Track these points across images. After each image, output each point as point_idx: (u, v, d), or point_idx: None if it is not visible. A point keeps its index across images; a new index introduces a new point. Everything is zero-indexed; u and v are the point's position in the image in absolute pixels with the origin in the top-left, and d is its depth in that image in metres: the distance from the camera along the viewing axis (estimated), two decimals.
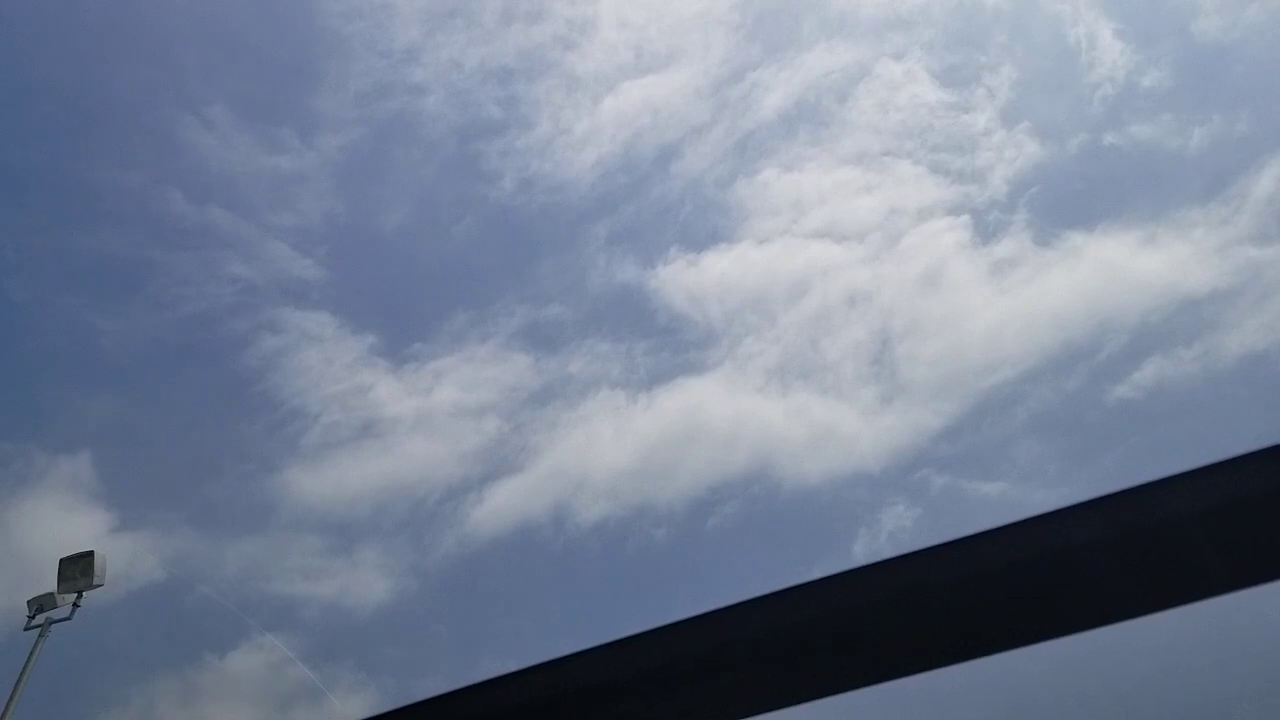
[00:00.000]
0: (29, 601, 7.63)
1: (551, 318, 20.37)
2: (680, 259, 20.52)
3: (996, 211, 19.30)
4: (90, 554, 7.60)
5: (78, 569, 7.57)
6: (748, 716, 0.80)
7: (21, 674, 7.14)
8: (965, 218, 19.64)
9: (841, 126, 20.80)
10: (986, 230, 19.24)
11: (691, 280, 20.22)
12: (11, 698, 6.95)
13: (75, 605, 7.56)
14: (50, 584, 7.79)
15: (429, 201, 21.28)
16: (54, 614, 7.65)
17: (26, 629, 7.52)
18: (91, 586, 7.57)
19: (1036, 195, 19.37)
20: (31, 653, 7.30)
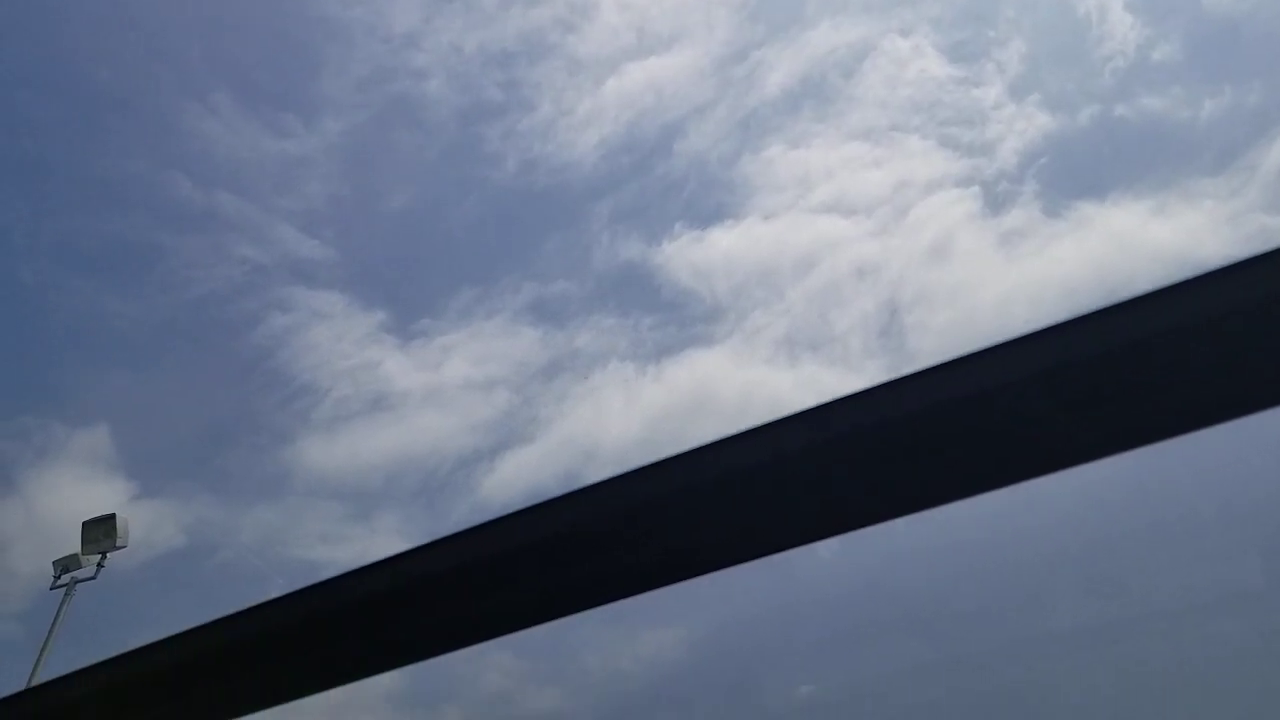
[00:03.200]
0: (54, 562, 7.78)
1: (558, 294, 20.39)
2: (685, 235, 20.47)
3: (1006, 183, 19.13)
4: (112, 516, 7.73)
5: (101, 531, 7.71)
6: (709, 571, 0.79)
7: (50, 632, 7.27)
8: (974, 189, 19.48)
9: (848, 103, 20.65)
10: (996, 202, 19.09)
11: (697, 256, 20.16)
12: (40, 655, 7.08)
13: (100, 565, 7.72)
14: (74, 549, 7.93)
15: (432, 183, 21.32)
16: (79, 574, 7.81)
17: (52, 588, 7.67)
18: (115, 547, 7.71)
19: (1046, 166, 19.20)
20: (58, 612, 7.45)
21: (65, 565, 7.71)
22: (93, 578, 7.75)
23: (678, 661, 2.40)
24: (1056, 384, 0.69)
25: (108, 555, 7.74)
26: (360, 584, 0.86)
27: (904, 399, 0.73)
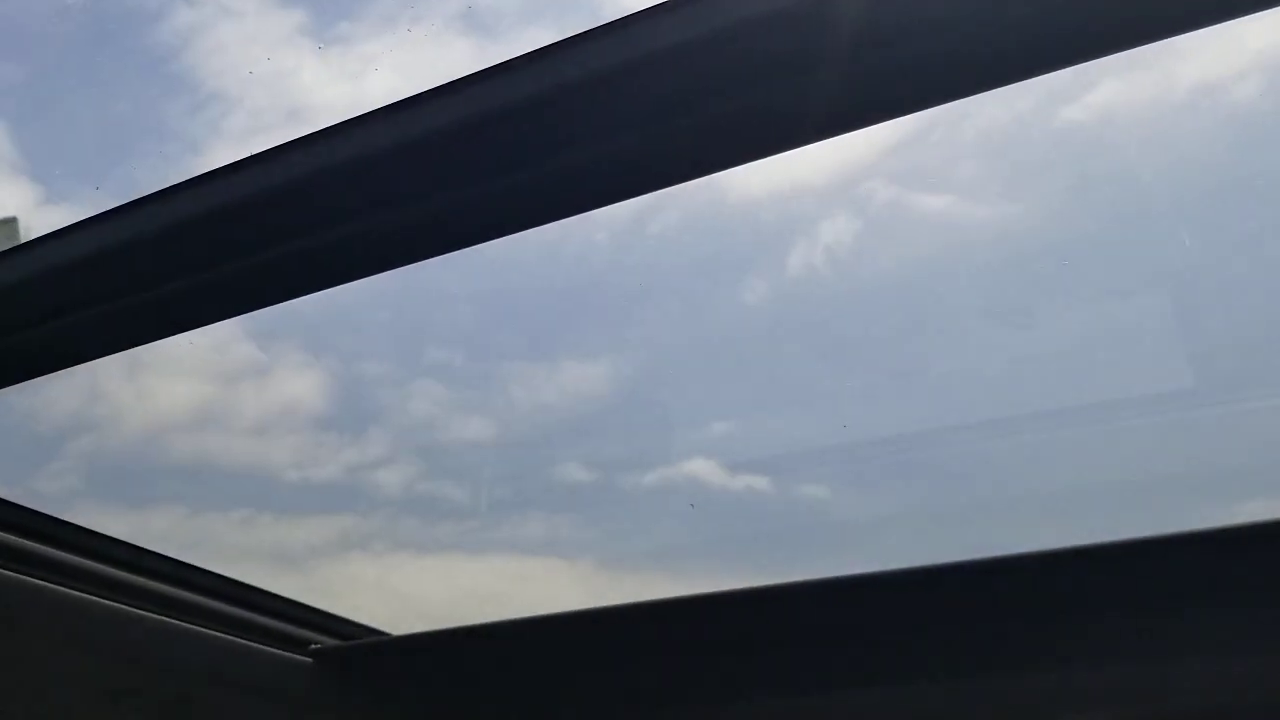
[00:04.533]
0: None
1: (490, 4, 19.23)
2: None
3: None
4: (13, 220, 7.39)
5: (3, 234, 7.41)
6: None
7: None
8: None
9: None
10: None
11: None
12: None
13: None
14: None
15: None
16: None
17: None
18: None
19: None
20: None
21: None
22: None
23: (599, 395, 2.45)
24: None
25: None
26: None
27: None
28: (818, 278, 2.43)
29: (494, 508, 2.46)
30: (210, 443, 2.63)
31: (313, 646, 1.22)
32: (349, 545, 2.48)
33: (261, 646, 1.15)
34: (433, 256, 0.76)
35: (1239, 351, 1.93)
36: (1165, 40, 0.66)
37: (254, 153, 0.69)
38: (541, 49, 0.61)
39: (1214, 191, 2.09)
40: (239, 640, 1.13)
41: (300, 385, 2.69)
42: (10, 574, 0.85)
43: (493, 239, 0.74)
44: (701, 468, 2.31)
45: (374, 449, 2.60)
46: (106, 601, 0.94)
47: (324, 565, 2.44)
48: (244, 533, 2.46)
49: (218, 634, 1.08)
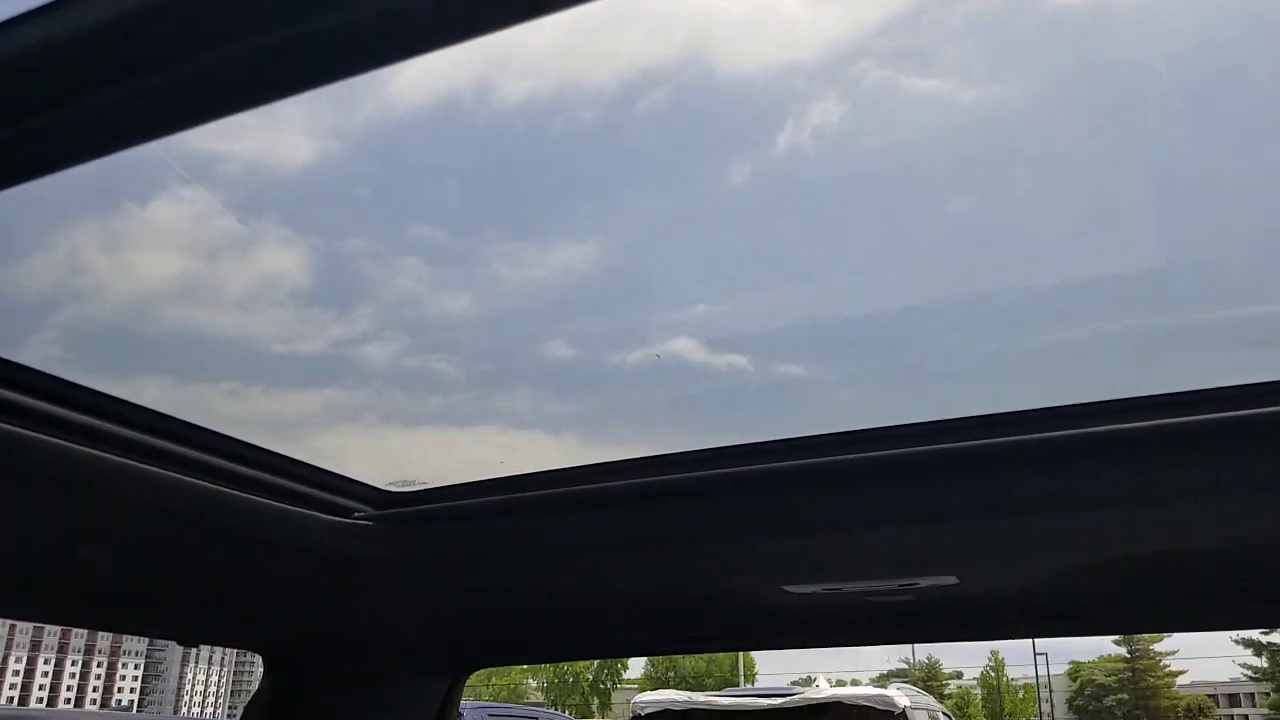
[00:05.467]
0: None
1: None
2: None
3: None
4: None
5: None
6: None
7: None
8: None
9: None
10: None
11: None
12: None
13: None
14: None
15: None
16: None
17: None
18: None
19: None
20: None
21: None
22: None
23: (584, 273, 2.47)
24: None
25: None
26: None
27: None
28: (804, 158, 2.43)
29: (480, 382, 2.50)
30: (195, 316, 2.65)
31: (356, 514, 1.26)
32: (339, 417, 2.53)
33: (308, 512, 1.18)
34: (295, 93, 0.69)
35: (1215, 236, 1.96)
36: None
37: None
38: None
39: (1205, 79, 2.09)
40: (283, 506, 1.16)
41: (283, 260, 2.69)
42: (50, 439, 0.86)
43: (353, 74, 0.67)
44: (684, 346, 2.35)
45: (359, 324, 2.62)
46: (147, 466, 0.96)
47: (314, 436, 2.49)
48: (234, 403, 2.50)
49: (262, 500, 1.11)
